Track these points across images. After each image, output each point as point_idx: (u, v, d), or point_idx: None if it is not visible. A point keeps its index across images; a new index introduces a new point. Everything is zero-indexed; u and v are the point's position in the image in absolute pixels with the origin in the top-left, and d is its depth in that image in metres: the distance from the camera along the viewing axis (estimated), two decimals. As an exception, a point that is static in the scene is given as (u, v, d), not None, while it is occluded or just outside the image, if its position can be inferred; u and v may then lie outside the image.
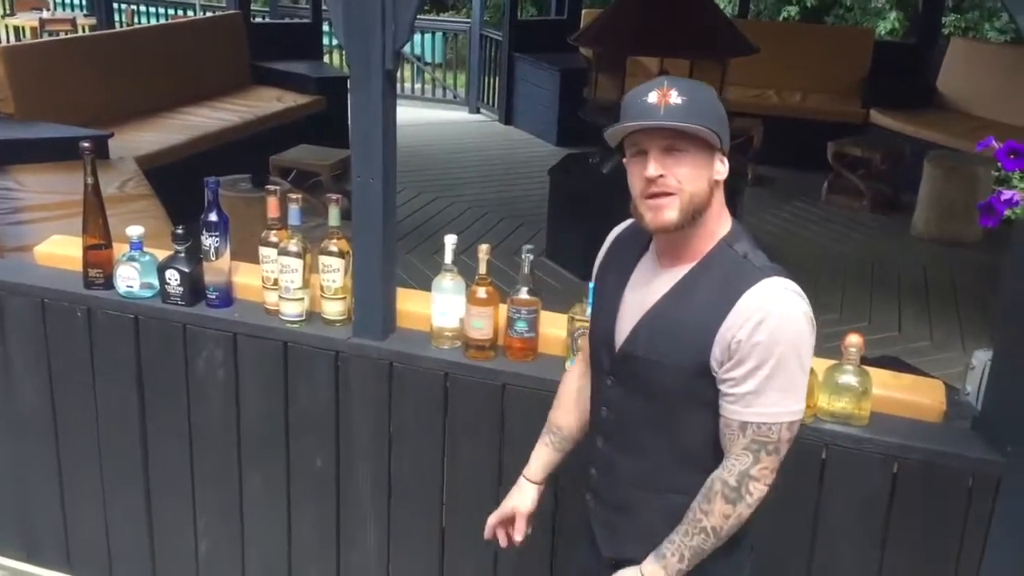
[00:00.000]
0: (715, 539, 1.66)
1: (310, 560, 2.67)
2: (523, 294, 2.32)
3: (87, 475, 2.79)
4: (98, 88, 6.07)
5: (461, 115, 9.87)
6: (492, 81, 9.65)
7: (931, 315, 5.18)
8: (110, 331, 2.62)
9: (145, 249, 2.61)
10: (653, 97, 1.58)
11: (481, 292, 2.32)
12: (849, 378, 2.12)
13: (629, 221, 1.85)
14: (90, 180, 2.55)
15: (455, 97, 10.44)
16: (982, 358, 2.22)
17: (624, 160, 1.67)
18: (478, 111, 9.84)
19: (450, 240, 2.35)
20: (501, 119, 9.33)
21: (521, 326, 2.34)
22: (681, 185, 1.59)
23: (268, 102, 7.10)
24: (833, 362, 2.17)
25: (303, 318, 2.50)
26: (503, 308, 2.37)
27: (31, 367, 2.73)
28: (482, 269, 2.32)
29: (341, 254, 2.42)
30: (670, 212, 1.60)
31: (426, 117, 9.62)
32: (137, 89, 6.39)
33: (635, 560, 1.75)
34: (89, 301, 2.62)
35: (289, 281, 2.45)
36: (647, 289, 1.71)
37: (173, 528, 2.77)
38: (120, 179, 4.91)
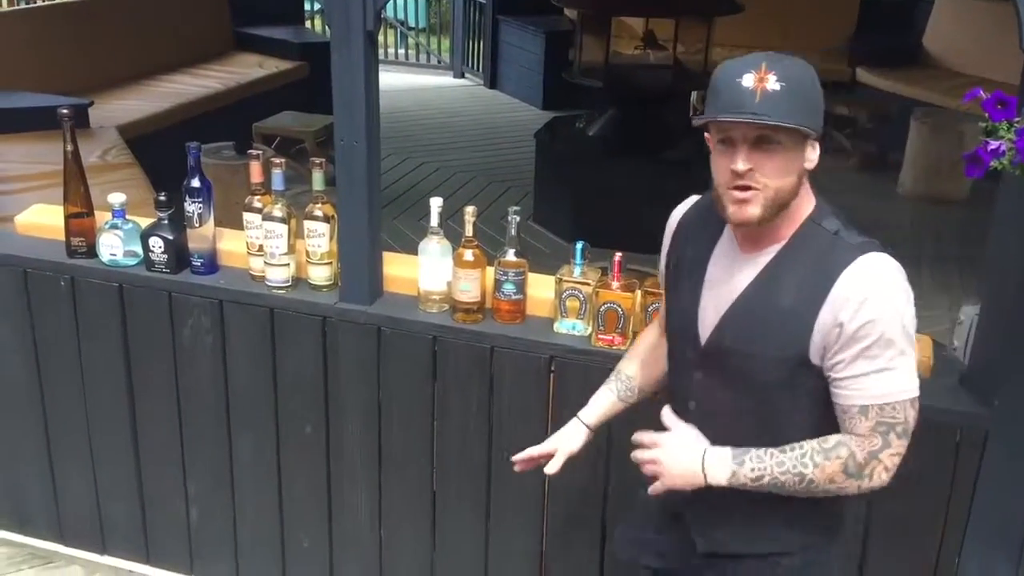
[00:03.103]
0: (803, 488, 1.57)
1: (301, 525, 2.67)
2: (510, 256, 2.31)
3: (76, 445, 2.78)
4: (77, 56, 5.98)
5: (446, 80, 9.78)
6: (476, 45, 9.56)
7: (920, 272, 5.19)
8: (94, 300, 2.60)
9: (128, 217, 2.58)
10: (749, 80, 1.46)
11: (468, 255, 2.31)
12: (837, 335, 2.11)
13: (691, 201, 1.79)
14: (69, 148, 2.52)
15: (439, 62, 10.34)
16: (970, 313, 2.23)
17: (708, 139, 1.58)
18: (463, 76, 9.75)
19: (436, 203, 2.33)
20: (486, 83, 9.25)
21: (509, 288, 2.33)
22: (767, 181, 1.50)
23: (250, 68, 7.01)
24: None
25: (289, 284, 2.48)
26: (490, 271, 2.35)
27: (15, 338, 2.71)
28: (468, 231, 2.30)
29: (326, 218, 2.40)
30: (753, 208, 1.51)
31: (410, 82, 9.53)
32: (117, 57, 6.30)
33: (734, 555, 1.72)
34: (72, 270, 2.60)
35: (274, 247, 2.44)
36: (730, 277, 1.62)
37: (164, 496, 2.77)
38: (102, 148, 4.85)
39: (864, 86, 7.49)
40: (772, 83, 1.45)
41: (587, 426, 1.92)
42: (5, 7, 9.84)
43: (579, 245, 2.30)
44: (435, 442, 2.46)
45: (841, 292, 1.50)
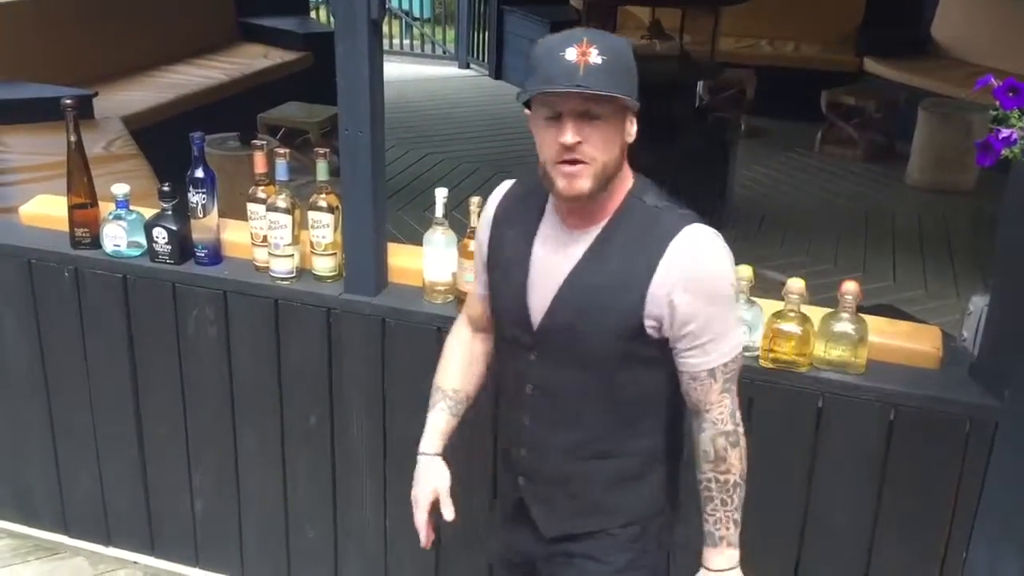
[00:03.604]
0: (744, 484, 1.68)
1: (307, 517, 2.67)
2: (516, 246, 2.29)
3: (80, 437, 2.78)
4: (82, 47, 5.96)
5: (451, 70, 9.75)
6: (481, 35, 9.52)
7: (925, 263, 5.16)
8: (98, 291, 2.59)
9: (132, 207, 2.57)
10: (572, 54, 1.46)
11: (472, 245, 2.29)
12: (845, 326, 2.10)
13: (506, 186, 1.78)
14: (73, 138, 2.51)
15: (444, 52, 10.30)
16: (979, 304, 2.20)
17: (529, 116, 1.58)
18: (468, 66, 9.72)
19: (441, 193, 2.32)
20: (491, 73, 9.21)
21: (514, 279, 2.31)
22: (596, 153, 1.51)
23: (255, 59, 6.98)
24: (829, 310, 2.16)
25: (293, 275, 2.47)
26: (496, 261, 2.33)
27: (19, 329, 2.71)
28: (474, 222, 2.28)
29: (330, 209, 2.39)
30: (583, 181, 1.52)
31: (415, 73, 9.51)
32: (122, 47, 6.27)
33: (578, 535, 1.74)
34: (76, 261, 2.59)
35: (278, 237, 2.42)
36: (558, 256, 1.62)
37: (168, 487, 2.77)
38: (106, 139, 4.84)
39: (872, 76, 7.44)
40: (594, 56, 1.46)
41: (439, 455, 1.85)
42: (10, -2, 9.79)
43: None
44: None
45: (672, 262, 1.55)
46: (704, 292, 1.55)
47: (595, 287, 1.58)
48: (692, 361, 1.60)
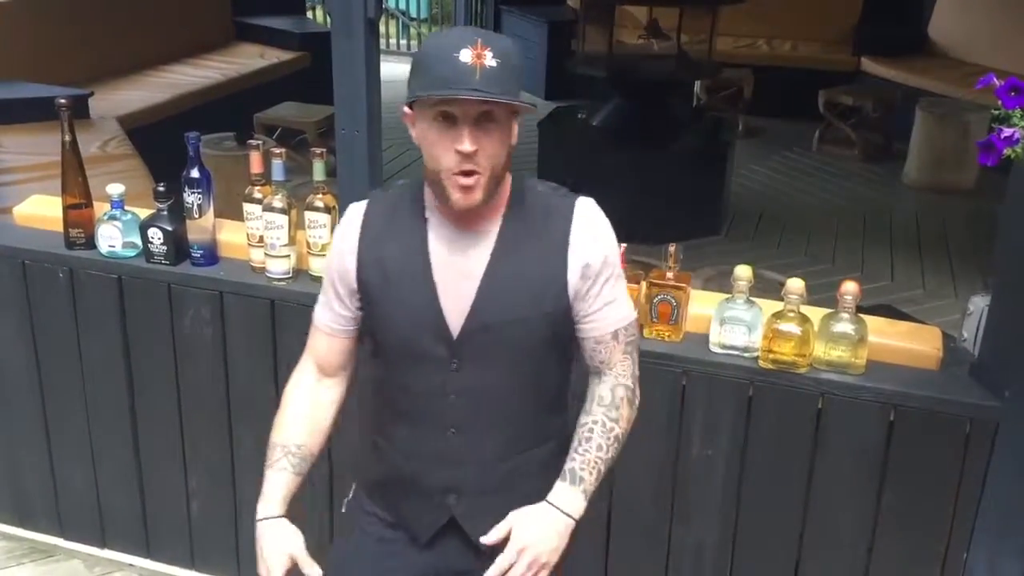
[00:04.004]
0: (621, 446, 1.67)
1: (303, 519, 2.64)
2: (513, 247, 2.28)
3: (75, 438, 2.76)
4: (77, 46, 5.93)
5: (448, 70, 9.74)
6: (479, 35, 9.51)
7: (923, 263, 5.16)
8: (93, 292, 2.57)
9: (127, 208, 2.56)
10: (467, 56, 1.41)
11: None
12: (845, 326, 2.09)
13: (361, 204, 1.66)
14: (67, 138, 2.49)
15: (441, 52, 10.29)
16: (979, 304, 2.20)
17: (408, 116, 1.53)
18: (465, 66, 9.70)
19: (438, 193, 2.30)
20: (488, 74, 9.21)
21: (512, 279, 2.30)
22: (489, 162, 1.48)
23: (251, 59, 6.97)
24: (828, 311, 2.15)
25: (290, 275, 2.46)
26: (493, 261, 2.32)
27: (14, 330, 2.69)
28: (471, 222, 2.27)
29: (327, 209, 2.37)
30: (478, 192, 1.49)
31: (412, 73, 9.50)
32: (118, 47, 6.25)
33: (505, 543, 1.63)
34: (71, 262, 2.57)
35: (275, 238, 2.41)
36: (464, 257, 1.57)
37: (164, 489, 2.75)
38: (102, 139, 4.82)
39: (869, 75, 7.45)
40: (489, 59, 1.42)
41: (283, 516, 1.70)
42: (5, -2, 9.76)
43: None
44: (438, 435, 2.44)
45: (579, 235, 1.59)
46: (606, 258, 1.61)
47: (516, 278, 1.57)
48: (598, 325, 1.63)
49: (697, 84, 7.21)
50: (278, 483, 1.69)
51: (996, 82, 1.54)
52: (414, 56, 1.49)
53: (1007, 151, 1.54)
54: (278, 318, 2.46)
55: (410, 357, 1.62)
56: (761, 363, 2.14)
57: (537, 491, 1.62)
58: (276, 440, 1.72)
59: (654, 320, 2.23)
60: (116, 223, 2.52)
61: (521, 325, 1.58)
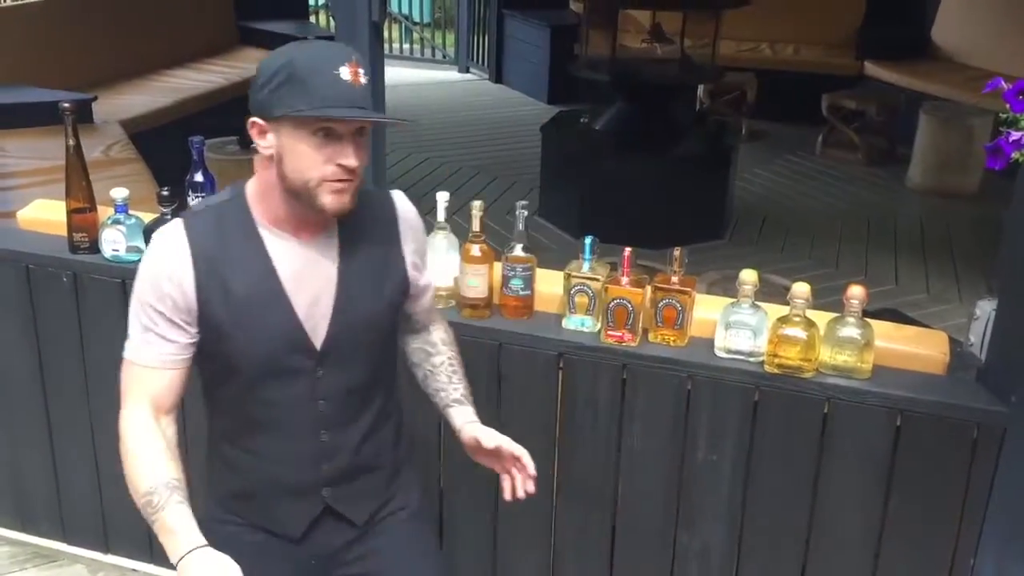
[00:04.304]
0: None
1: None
2: (518, 251, 2.28)
3: (79, 443, 2.75)
4: (81, 51, 5.94)
5: (451, 75, 9.74)
6: (481, 40, 9.52)
7: (928, 267, 5.15)
8: (97, 295, 2.57)
9: (130, 212, 2.55)
10: (347, 74, 1.46)
11: (475, 250, 2.28)
12: (851, 331, 2.08)
13: (178, 228, 1.59)
14: (71, 142, 2.49)
15: (444, 57, 10.30)
16: (986, 308, 2.18)
17: (260, 127, 1.52)
18: (468, 70, 9.71)
19: (442, 197, 2.30)
20: (491, 78, 9.21)
21: (516, 284, 2.29)
22: (360, 171, 1.55)
23: (255, 63, 6.90)
24: (834, 315, 2.14)
25: (294, 280, 2.45)
26: (497, 266, 2.32)
27: (18, 334, 2.69)
28: (476, 226, 2.27)
29: (331, 213, 2.37)
30: (349, 197, 1.54)
31: (415, 77, 9.50)
32: (121, 52, 6.26)
33: (387, 499, 1.81)
34: (75, 266, 2.57)
35: (278, 242, 2.40)
36: (313, 268, 1.60)
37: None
38: (105, 143, 4.82)
39: (872, 79, 7.44)
40: (363, 77, 1.50)
41: (208, 544, 1.56)
42: (9, 2, 9.82)
43: (588, 240, 2.26)
44: (441, 441, 2.43)
45: (405, 228, 1.73)
46: (422, 236, 1.80)
47: (365, 279, 1.65)
48: (427, 297, 1.86)
49: (700, 88, 7.21)
50: (185, 515, 1.56)
51: (1004, 86, 1.53)
52: (281, 68, 1.47)
53: (1015, 155, 1.53)
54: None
55: (272, 375, 1.63)
56: (767, 368, 2.13)
57: (391, 463, 1.81)
58: (152, 484, 1.58)
59: (659, 324, 2.22)
60: (120, 227, 2.52)
61: (376, 322, 1.68)
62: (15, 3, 8.56)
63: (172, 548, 1.54)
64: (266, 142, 1.53)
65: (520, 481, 1.73)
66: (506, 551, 2.48)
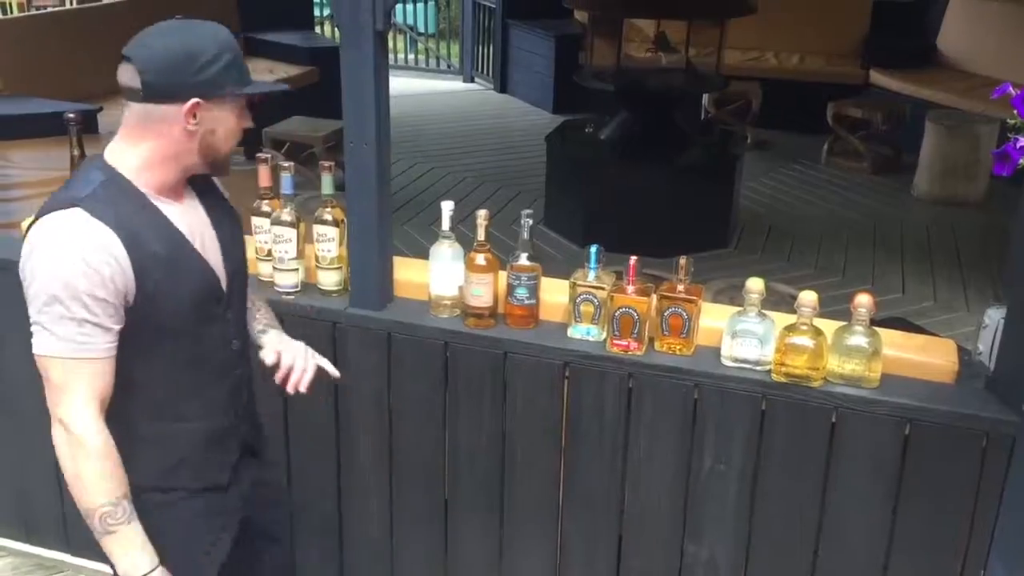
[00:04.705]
0: None
1: (312, 534, 2.63)
2: (523, 260, 2.27)
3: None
4: (87, 62, 5.95)
5: (455, 85, 9.76)
6: (486, 50, 9.53)
7: (935, 276, 5.12)
8: (101, 306, 2.56)
9: (135, 222, 2.55)
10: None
11: (480, 259, 2.27)
12: (859, 339, 2.07)
13: (89, 219, 1.59)
14: (76, 152, 2.50)
15: (449, 67, 10.32)
16: (995, 317, 2.17)
17: (198, 106, 1.64)
18: (472, 80, 9.73)
19: (447, 206, 2.29)
20: (496, 88, 9.22)
21: (521, 293, 2.28)
22: None
23: (260, 74, 6.97)
24: (838, 323, 2.12)
25: (298, 289, 2.44)
26: (502, 275, 2.31)
27: (23, 346, 2.66)
28: (481, 235, 2.26)
29: (336, 222, 2.37)
30: None
31: (420, 87, 9.51)
32: (127, 63, 6.28)
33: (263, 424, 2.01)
34: (79, 276, 2.56)
35: (283, 251, 2.40)
36: (196, 222, 1.77)
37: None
38: (111, 154, 4.83)
39: (878, 88, 7.43)
40: None
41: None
42: (16, 13, 9.86)
43: (593, 248, 2.25)
44: (447, 449, 2.42)
45: (217, 181, 1.88)
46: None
47: (228, 228, 1.83)
48: None
49: (705, 97, 7.20)
50: (142, 530, 1.66)
51: (1012, 91, 1.52)
52: (221, 50, 1.64)
53: (1023, 161, 1.52)
54: (286, 331, 2.43)
55: (198, 325, 1.74)
56: (774, 376, 2.12)
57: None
58: (117, 494, 1.64)
59: (665, 333, 2.21)
60: (124, 237, 2.51)
61: (243, 262, 1.88)
62: (21, 14, 8.59)
63: (132, 562, 1.64)
64: (196, 120, 1.64)
65: (296, 380, 1.88)
66: (511, 560, 2.47)
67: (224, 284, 1.79)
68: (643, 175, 5.28)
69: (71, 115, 2.49)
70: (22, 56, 5.56)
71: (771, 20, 6.77)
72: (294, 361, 1.88)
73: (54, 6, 9.88)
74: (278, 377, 1.88)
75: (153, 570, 1.64)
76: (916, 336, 2.35)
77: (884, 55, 7.52)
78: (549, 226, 5.57)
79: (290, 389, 1.87)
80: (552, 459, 2.33)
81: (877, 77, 7.47)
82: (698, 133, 6.00)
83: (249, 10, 7.59)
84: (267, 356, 1.89)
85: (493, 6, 9.10)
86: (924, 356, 2.17)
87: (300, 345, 1.93)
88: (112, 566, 1.68)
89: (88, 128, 4.41)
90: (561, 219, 5.54)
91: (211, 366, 1.80)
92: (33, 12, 9.19)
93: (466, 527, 2.48)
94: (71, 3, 9.97)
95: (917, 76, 7.26)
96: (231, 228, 1.85)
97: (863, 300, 2.05)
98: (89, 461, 1.61)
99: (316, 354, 1.94)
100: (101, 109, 5.22)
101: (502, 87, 9.15)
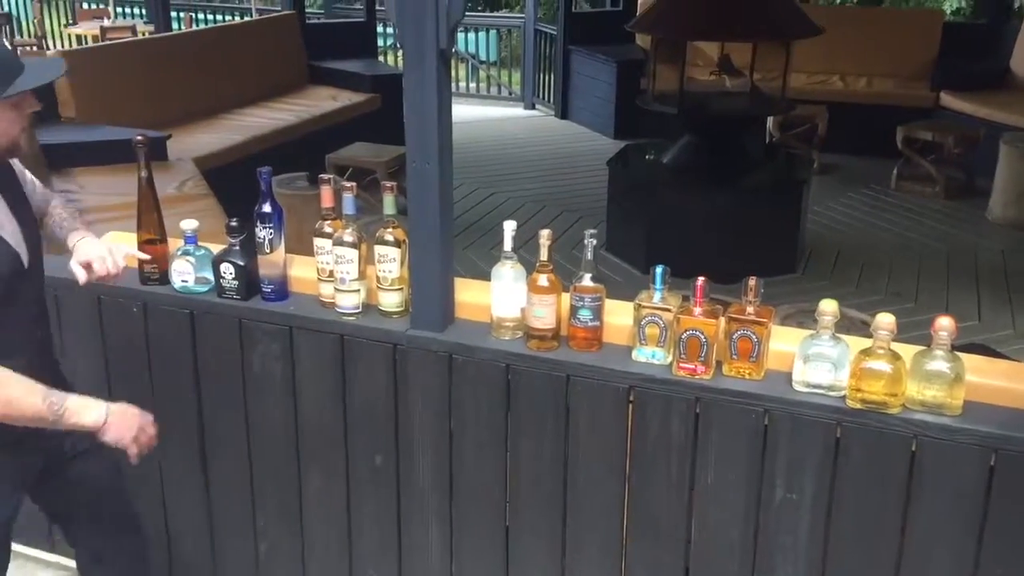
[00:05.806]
0: None
1: (371, 560, 2.60)
2: (587, 281, 2.22)
3: (145, 473, 2.75)
4: (157, 91, 6.11)
5: (517, 111, 9.80)
6: (547, 77, 9.56)
7: (1013, 303, 4.95)
8: (166, 327, 2.58)
9: (200, 243, 2.56)
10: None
11: (543, 280, 2.23)
12: (940, 364, 1.97)
13: None
14: (143, 174, 2.51)
15: (510, 94, 10.37)
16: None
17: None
18: (533, 107, 9.75)
19: (509, 226, 2.26)
20: (557, 114, 9.23)
21: (585, 314, 2.24)
22: None
23: (324, 101, 7.10)
24: (916, 349, 2.03)
25: (359, 310, 2.43)
26: (565, 297, 2.27)
27: (88, 364, 2.70)
28: (543, 255, 2.22)
29: (397, 243, 2.35)
30: None
31: (481, 114, 9.57)
32: (195, 91, 6.43)
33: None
34: (145, 296, 2.59)
35: (344, 272, 2.39)
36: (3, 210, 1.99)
37: (233, 528, 2.72)
38: (179, 179, 4.93)
39: (949, 111, 7.27)
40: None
41: None
42: (90, 44, 10.16)
43: (659, 269, 2.20)
44: (508, 474, 2.37)
45: (13, 162, 2.09)
46: (20, 166, 2.16)
47: (22, 205, 2.06)
48: (42, 200, 2.27)
49: (770, 121, 7.11)
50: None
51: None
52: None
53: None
54: (347, 353, 2.43)
55: (6, 304, 1.95)
56: (849, 402, 2.03)
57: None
58: (43, 390, 1.96)
59: (734, 357, 2.14)
60: (189, 258, 2.53)
61: (38, 237, 2.09)
62: (94, 45, 8.84)
63: (92, 416, 2.00)
64: None
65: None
66: (574, 592, 2.40)
67: (26, 259, 2.01)
68: (706, 199, 5.21)
69: (139, 137, 2.51)
70: (96, 85, 5.72)
71: (838, 42, 6.67)
72: (104, 269, 2.18)
73: (128, 38, 10.16)
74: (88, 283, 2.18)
75: (108, 406, 2.04)
76: (1000, 361, 2.25)
77: (955, 77, 7.36)
78: (611, 251, 5.52)
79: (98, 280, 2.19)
80: (616, 486, 2.26)
81: (948, 100, 7.31)
82: (763, 157, 5.91)
83: (314, 39, 7.73)
84: (78, 273, 2.16)
85: (554, 33, 9.13)
86: (1009, 382, 2.07)
87: (103, 247, 2.20)
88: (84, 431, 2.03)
89: (157, 154, 4.51)
90: (623, 244, 5.48)
91: (26, 350, 2.04)
92: (105, 43, 9.46)
93: (527, 554, 2.43)
94: (144, 35, 10.25)
95: (990, 98, 7.08)
96: (25, 210, 2.07)
97: (945, 323, 1.96)
98: (8, 386, 1.91)
99: (116, 249, 2.22)
100: (170, 136, 5.34)
101: (563, 113, 9.15)
